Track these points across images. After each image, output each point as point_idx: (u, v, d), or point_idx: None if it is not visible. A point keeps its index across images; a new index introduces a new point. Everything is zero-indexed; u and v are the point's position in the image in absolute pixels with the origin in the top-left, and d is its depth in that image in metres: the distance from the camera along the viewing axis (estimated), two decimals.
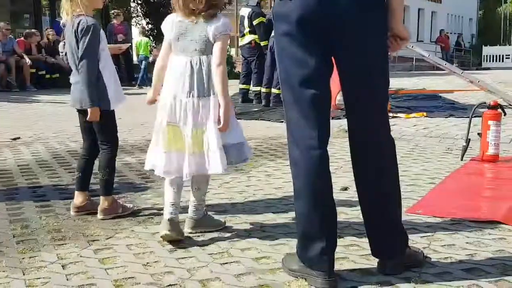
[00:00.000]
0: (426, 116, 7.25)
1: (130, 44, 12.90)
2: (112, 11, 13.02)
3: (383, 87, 2.09)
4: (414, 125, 6.59)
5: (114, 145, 3.00)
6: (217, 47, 2.45)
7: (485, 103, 4.58)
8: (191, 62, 2.46)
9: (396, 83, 12.50)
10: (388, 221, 2.11)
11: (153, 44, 16.33)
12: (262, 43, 8.65)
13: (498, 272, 2.13)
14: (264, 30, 8.52)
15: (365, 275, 2.11)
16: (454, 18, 29.40)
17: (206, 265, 2.24)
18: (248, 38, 8.83)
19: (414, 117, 7.27)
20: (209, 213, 2.78)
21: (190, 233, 2.62)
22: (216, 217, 2.79)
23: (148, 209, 3.08)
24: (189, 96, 2.45)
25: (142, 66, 12.90)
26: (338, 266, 2.17)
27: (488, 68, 22.31)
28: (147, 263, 2.26)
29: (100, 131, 2.95)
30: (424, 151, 4.98)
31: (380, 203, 2.10)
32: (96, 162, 3.01)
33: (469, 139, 4.52)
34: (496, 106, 4.47)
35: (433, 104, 8.40)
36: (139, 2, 16.78)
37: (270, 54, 8.38)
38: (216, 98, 2.46)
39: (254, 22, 8.63)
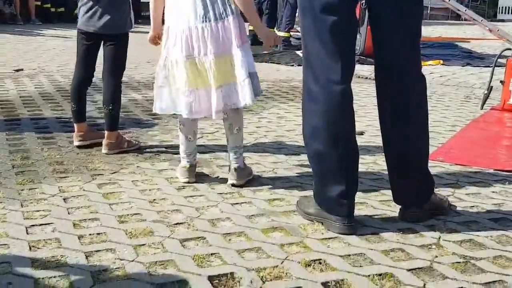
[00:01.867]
0: (442, 64, 7.00)
1: None
2: None
3: (417, 19, 1.89)
4: (431, 73, 6.33)
5: (122, 75, 2.83)
6: None
7: (510, 49, 4.33)
8: None
9: None
10: (415, 165, 1.96)
11: None
12: None
13: None
14: None
15: (386, 222, 1.98)
16: None
17: (216, 204, 2.10)
18: None
19: (430, 64, 7.00)
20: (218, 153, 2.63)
21: (237, 185, 2.28)
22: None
23: (154, 146, 2.93)
24: (206, 21, 2.13)
25: None
26: (356, 211, 2.03)
27: (503, 20, 21.62)
28: (154, 200, 2.13)
29: (117, 58, 2.78)
30: (442, 99, 4.78)
31: (409, 145, 1.93)
32: (99, 97, 2.85)
33: (491, 87, 4.31)
34: None
35: (449, 52, 8.09)
36: None
37: None
38: (236, 18, 2.17)
39: None
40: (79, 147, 2.80)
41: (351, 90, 1.88)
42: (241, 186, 2.28)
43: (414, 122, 1.93)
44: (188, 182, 2.31)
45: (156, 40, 2.42)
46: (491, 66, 6.73)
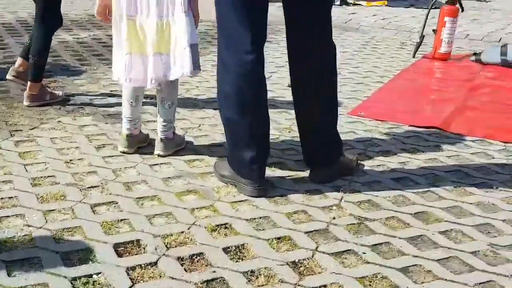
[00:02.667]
0: (386, 5, 7.04)
1: None
2: None
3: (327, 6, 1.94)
4: (374, 15, 6.37)
5: (54, 25, 2.74)
6: None
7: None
8: None
9: None
10: (323, 127, 2.05)
11: None
12: None
13: (427, 183, 2.14)
14: None
15: (296, 183, 2.08)
16: None
17: (134, 166, 2.14)
18: None
19: (375, 5, 7.03)
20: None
21: (163, 156, 2.23)
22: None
23: (79, 96, 2.89)
24: (162, 17, 2.03)
25: None
26: (271, 172, 2.12)
27: None
28: (70, 160, 2.14)
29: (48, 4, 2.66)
30: (378, 45, 4.85)
31: (314, 111, 2.01)
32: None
33: (424, 35, 4.40)
34: (454, 1, 4.31)
35: None
36: None
37: None
38: (188, 15, 2.04)
39: None
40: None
41: (263, 58, 1.91)
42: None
43: (323, 90, 2.00)
44: (125, 153, 2.24)
45: (105, 14, 2.14)
46: (433, 8, 6.85)
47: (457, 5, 4.32)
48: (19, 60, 2.85)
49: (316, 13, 1.91)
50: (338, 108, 2.14)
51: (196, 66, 2.09)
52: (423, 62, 4.27)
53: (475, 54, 4.42)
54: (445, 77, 3.89)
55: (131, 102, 2.21)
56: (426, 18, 4.45)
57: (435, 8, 4.68)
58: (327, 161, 2.09)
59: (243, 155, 1.92)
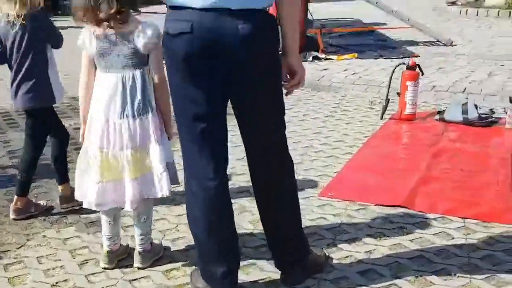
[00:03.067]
0: (357, 58, 7.33)
1: None
2: None
3: (277, 118, 2.08)
4: (345, 70, 6.65)
5: (41, 149, 2.96)
6: (153, 58, 2.19)
7: (404, 63, 4.65)
8: (122, 79, 2.17)
9: (332, 9, 12.35)
10: (285, 234, 2.19)
11: None
12: None
13: (390, 275, 2.30)
14: None
15: (268, 287, 2.23)
16: None
17: (115, 283, 2.27)
18: None
19: (345, 58, 7.32)
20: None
21: (142, 268, 2.36)
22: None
23: None
24: (123, 117, 2.17)
25: None
26: (244, 276, 2.27)
27: None
28: (56, 283, 2.27)
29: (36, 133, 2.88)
30: (348, 107, 5.08)
31: (277, 216, 2.16)
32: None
33: (389, 100, 4.64)
34: (414, 67, 4.57)
35: (366, 40, 8.44)
36: None
37: None
38: (156, 116, 2.22)
39: None
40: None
41: (226, 181, 2.07)
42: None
43: (283, 195, 2.16)
44: (107, 268, 2.35)
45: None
46: (401, 57, 7.15)
47: (417, 70, 4.58)
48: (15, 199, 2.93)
49: (266, 117, 2.03)
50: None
51: (175, 181, 2.31)
52: (390, 125, 4.48)
53: (439, 112, 4.66)
54: (411, 141, 4.10)
55: (109, 221, 2.35)
56: (389, 83, 4.70)
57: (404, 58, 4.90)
58: (295, 262, 2.24)
59: (213, 271, 2.07)
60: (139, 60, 2.19)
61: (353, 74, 6.51)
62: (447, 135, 4.18)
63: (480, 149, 3.86)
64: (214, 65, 1.86)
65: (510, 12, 9.97)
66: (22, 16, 2.65)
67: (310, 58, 7.26)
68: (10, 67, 2.78)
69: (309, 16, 9.67)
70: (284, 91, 2.08)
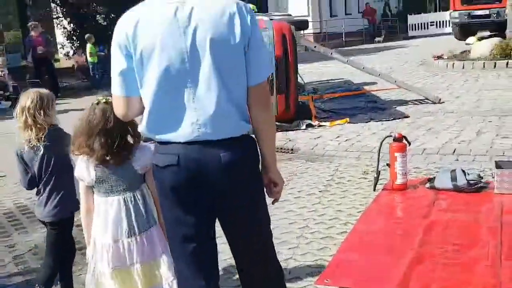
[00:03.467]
0: (349, 122, 7.53)
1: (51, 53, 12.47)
2: (29, 24, 12.49)
3: (263, 230, 2.19)
4: (337, 136, 6.84)
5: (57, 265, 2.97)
6: (148, 176, 2.30)
7: (390, 135, 4.82)
8: (124, 200, 2.32)
9: (322, 70, 12.70)
10: None
11: (76, 45, 15.85)
12: None
13: None
14: None
15: None
16: None
17: None
18: None
19: (338, 124, 7.53)
20: None
21: None
22: None
23: None
24: (131, 235, 2.31)
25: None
26: None
27: (414, 37, 23.08)
28: None
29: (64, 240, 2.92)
30: (342, 178, 5.21)
31: None
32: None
33: (379, 172, 4.77)
34: (400, 139, 4.73)
35: (356, 103, 8.69)
36: (58, 3, 16.13)
37: None
38: (158, 228, 2.37)
39: None
40: None
41: None
42: None
43: None
44: None
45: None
46: (391, 119, 7.35)
47: (404, 141, 4.74)
48: None
49: (252, 233, 2.11)
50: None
51: None
52: (383, 197, 4.57)
53: (429, 180, 4.78)
54: (404, 214, 4.18)
55: None
56: (378, 156, 4.83)
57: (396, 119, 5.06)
58: None
59: None
60: (138, 180, 2.35)
61: (346, 140, 6.70)
62: (439, 204, 4.27)
63: (471, 218, 3.93)
64: (200, 194, 2.00)
65: (495, 64, 10.29)
66: (43, 137, 2.71)
67: (304, 127, 7.48)
68: (38, 184, 2.84)
69: (300, 80, 10.04)
70: (269, 201, 2.21)
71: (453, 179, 4.65)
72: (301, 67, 11.15)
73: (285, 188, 5.02)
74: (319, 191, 4.85)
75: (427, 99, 8.24)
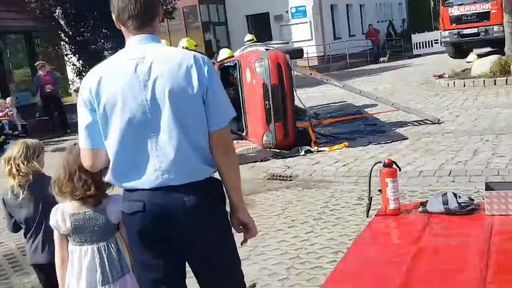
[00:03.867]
0: (347, 146, 7.58)
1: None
2: (37, 63, 12.85)
3: (232, 272, 2.23)
4: (336, 162, 6.89)
5: None
6: (122, 225, 2.35)
7: (380, 162, 4.87)
8: (98, 249, 2.38)
9: (324, 91, 12.76)
10: None
11: None
12: None
13: None
14: None
15: None
16: (383, 6, 30.19)
17: None
18: None
19: (337, 148, 7.58)
20: None
21: None
22: None
23: None
24: (105, 284, 2.37)
25: None
26: None
27: (420, 55, 23.16)
28: None
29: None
30: (337, 205, 5.25)
31: None
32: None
33: (371, 197, 4.81)
34: (390, 164, 4.78)
35: (356, 127, 8.74)
36: (67, 40, 16.55)
37: None
38: (131, 276, 2.42)
39: None
40: None
41: None
42: None
43: None
44: None
45: None
46: (389, 142, 7.39)
47: (394, 166, 4.79)
48: None
49: (221, 274, 2.15)
50: None
51: None
52: (375, 223, 4.59)
53: (422, 204, 4.80)
54: (394, 241, 4.20)
55: None
56: (369, 182, 4.88)
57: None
58: None
59: None
60: (112, 230, 2.43)
61: (344, 165, 6.74)
62: (431, 228, 4.30)
63: (461, 241, 3.95)
64: (166, 238, 2.08)
65: (495, 81, 10.32)
66: (26, 185, 2.81)
67: (303, 152, 7.54)
68: (27, 230, 2.90)
69: (301, 105, 10.14)
70: (238, 243, 2.28)
71: (445, 202, 4.68)
72: (303, 91, 11.25)
73: (279, 217, 5.12)
74: (313, 219, 4.89)
75: (426, 120, 8.27)
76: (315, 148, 7.71)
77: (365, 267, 3.79)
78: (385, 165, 5.04)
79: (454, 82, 11.04)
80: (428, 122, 8.19)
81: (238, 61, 8.39)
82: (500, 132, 7.00)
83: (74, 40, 16.15)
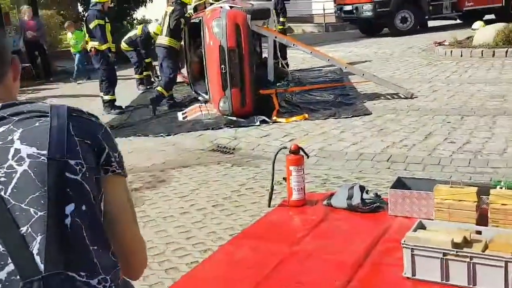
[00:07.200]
0: (306, 119, 7.04)
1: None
2: (20, 7, 12.50)
3: None
4: (284, 136, 6.41)
5: None
6: None
7: (286, 147, 4.37)
8: None
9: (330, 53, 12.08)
10: None
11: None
12: (104, 47, 8.10)
13: None
14: (102, 32, 7.99)
15: None
16: None
17: None
18: (89, 45, 8.36)
19: (294, 120, 7.05)
20: None
21: None
22: None
23: None
24: None
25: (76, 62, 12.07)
26: None
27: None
28: None
29: None
30: (250, 189, 4.80)
31: None
32: None
33: (273, 187, 4.34)
34: (297, 151, 4.27)
35: (327, 96, 8.13)
36: None
37: None
38: None
39: (91, 26, 8.05)
40: None
41: None
42: None
43: None
44: None
45: None
46: (350, 116, 6.82)
47: (302, 153, 4.29)
48: None
49: None
50: None
51: None
52: (271, 215, 4.15)
53: (330, 196, 4.32)
54: (273, 240, 3.73)
55: None
56: (273, 169, 4.39)
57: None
58: None
59: None
60: None
61: (290, 141, 6.24)
62: (320, 228, 3.83)
63: (339, 250, 3.49)
64: None
65: (494, 52, 9.40)
66: None
67: (258, 123, 7.04)
68: None
69: (283, 68, 9.52)
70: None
71: (350, 197, 4.16)
72: (299, 52, 10.47)
73: (181, 200, 4.70)
74: (212, 206, 4.47)
75: (399, 93, 7.60)
76: (274, 118, 7.20)
77: (228, 270, 3.39)
78: (290, 151, 4.53)
79: (451, 51, 10.15)
80: (402, 96, 7.52)
81: (202, 18, 7.81)
82: (467, 114, 6.32)
83: None
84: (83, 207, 1.11)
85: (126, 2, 16.01)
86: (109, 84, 8.35)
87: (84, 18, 8.37)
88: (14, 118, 1.13)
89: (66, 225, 1.08)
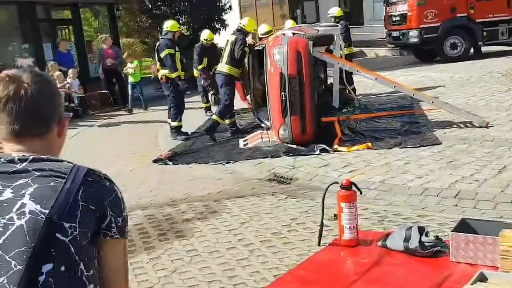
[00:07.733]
0: (369, 148, 6.69)
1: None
2: (100, 36, 13.11)
3: None
4: (344, 166, 6.10)
5: None
6: None
7: (337, 182, 4.09)
8: None
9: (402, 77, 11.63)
10: None
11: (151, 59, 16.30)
12: (174, 75, 8.23)
13: None
14: (172, 61, 8.11)
15: None
16: None
17: None
18: (159, 73, 8.52)
19: (356, 150, 6.72)
20: None
21: None
22: None
23: None
24: None
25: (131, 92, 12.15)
26: None
27: None
28: None
29: None
30: (302, 224, 4.55)
31: None
32: None
33: (323, 224, 4.07)
34: (348, 186, 3.98)
35: (394, 124, 7.71)
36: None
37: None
38: None
39: (162, 55, 8.21)
40: None
41: None
42: None
43: None
44: None
45: None
46: (417, 146, 6.40)
47: (354, 188, 3.99)
48: None
49: None
50: None
51: None
52: (320, 255, 3.86)
53: (386, 236, 3.98)
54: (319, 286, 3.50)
55: None
56: (323, 206, 4.14)
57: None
58: None
59: None
60: None
61: (350, 171, 5.95)
62: (372, 272, 3.52)
63: None
64: None
65: None
66: None
67: (318, 151, 6.77)
68: None
69: (349, 92, 9.19)
70: None
71: (407, 238, 3.81)
72: (389, 73, 10.04)
73: (229, 234, 4.54)
74: (260, 241, 4.26)
75: (473, 122, 7.06)
76: (336, 146, 6.91)
77: None
78: (342, 187, 4.25)
79: None
80: (476, 125, 6.98)
81: (265, 45, 7.74)
82: None
83: (152, 13, 16.30)
84: (62, 268, 1.16)
85: (200, 30, 16.41)
86: (177, 111, 8.49)
87: (156, 47, 8.57)
88: (36, 173, 1.21)
89: (38, 281, 1.13)
